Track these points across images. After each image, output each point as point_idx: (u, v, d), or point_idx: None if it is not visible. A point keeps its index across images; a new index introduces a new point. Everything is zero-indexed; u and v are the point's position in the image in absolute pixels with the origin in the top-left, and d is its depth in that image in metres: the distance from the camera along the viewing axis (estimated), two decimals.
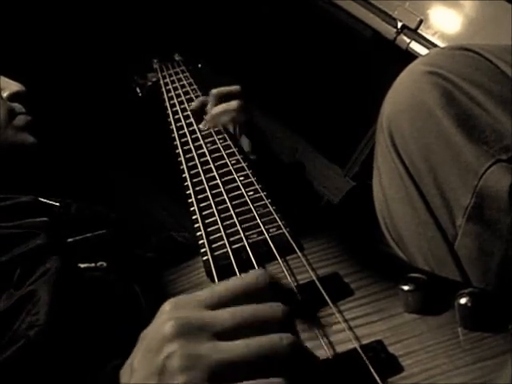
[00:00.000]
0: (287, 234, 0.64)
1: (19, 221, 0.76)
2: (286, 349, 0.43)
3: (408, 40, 1.48)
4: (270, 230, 0.65)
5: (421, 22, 1.47)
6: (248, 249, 0.63)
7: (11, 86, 0.97)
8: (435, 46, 1.43)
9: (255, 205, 0.71)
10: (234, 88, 1.03)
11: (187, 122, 0.97)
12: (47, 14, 1.71)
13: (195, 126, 0.95)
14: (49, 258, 0.68)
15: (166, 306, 0.46)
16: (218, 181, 0.78)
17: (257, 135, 1.04)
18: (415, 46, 1.47)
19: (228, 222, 0.69)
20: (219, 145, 0.87)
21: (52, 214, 0.82)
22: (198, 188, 0.78)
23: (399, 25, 1.48)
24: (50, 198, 0.87)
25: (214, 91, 1.02)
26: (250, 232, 0.66)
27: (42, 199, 0.86)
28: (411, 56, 1.43)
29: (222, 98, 1.01)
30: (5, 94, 0.96)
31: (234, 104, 0.99)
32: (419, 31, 1.47)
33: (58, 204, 0.86)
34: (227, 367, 0.42)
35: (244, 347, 0.42)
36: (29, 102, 0.99)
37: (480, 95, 0.66)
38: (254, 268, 0.60)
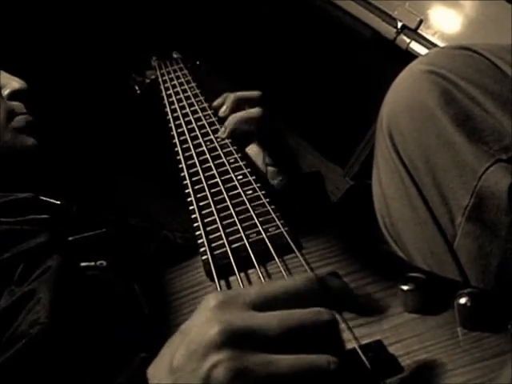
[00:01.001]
0: (285, 234, 0.64)
1: (20, 217, 0.76)
2: (332, 372, 0.43)
3: (408, 40, 1.48)
4: (269, 230, 0.65)
5: (421, 22, 1.47)
6: (247, 248, 0.63)
7: (12, 83, 0.94)
8: (435, 45, 1.43)
9: (254, 204, 0.71)
10: (255, 93, 0.97)
11: (186, 119, 0.97)
12: (46, 13, 1.71)
13: (194, 124, 0.95)
14: (50, 256, 0.68)
15: (211, 302, 0.45)
16: (218, 179, 0.78)
17: (280, 148, 0.99)
18: (415, 46, 1.47)
19: (227, 222, 0.69)
20: (218, 143, 0.87)
21: (52, 213, 0.82)
22: (196, 187, 0.78)
23: (399, 25, 1.48)
24: (51, 197, 0.86)
25: (232, 95, 0.98)
26: (250, 231, 0.66)
27: (43, 198, 0.85)
28: (411, 56, 1.43)
29: (241, 103, 0.97)
30: (5, 92, 0.93)
31: (255, 112, 0.95)
32: (419, 31, 1.47)
33: (58, 202, 0.85)
34: (274, 382, 0.41)
35: (293, 364, 0.42)
36: (30, 101, 0.96)
37: (480, 95, 0.66)
38: (254, 267, 0.60)
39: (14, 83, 0.94)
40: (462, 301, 0.50)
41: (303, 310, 0.45)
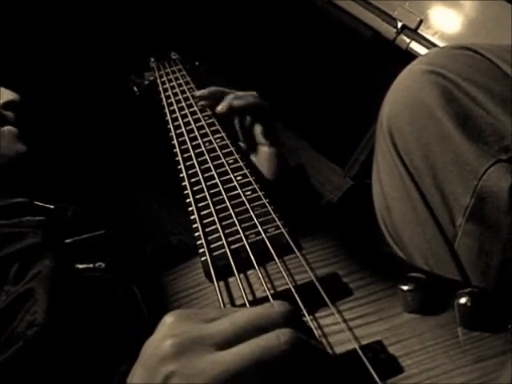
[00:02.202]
0: (285, 234, 0.64)
1: (16, 219, 0.76)
2: (285, 347, 0.41)
3: (408, 40, 1.48)
4: (269, 230, 0.65)
5: (421, 22, 1.47)
6: (247, 249, 0.63)
7: (5, 95, 0.99)
8: (435, 45, 1.43)
9: (254, 204, 0.70)
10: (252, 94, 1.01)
11: (185, 120, 0.96)
12: (44, 15, 1.71)
13: (193, 125, 0.94)
14: (44, 257, 0.68)
15: (168, 319, 0.45)
16: (217, 180, 0.77)
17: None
18: (415, 46, 1.47)
19: (226, 222, 0.68)
20: (217, 144, 0.87)
21: (48, 216, 0.83)
22: (195, 188, 0.77)
23: (399, 25, 1.48)
24: (45, 202, 0.87)
25: (231, 95, 1.00)
26: (249, 232, 0.65)
27: (37, 203, 0.86)
28: (411, 56, 1.43)
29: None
30: None
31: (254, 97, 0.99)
32: (419, 31, 1.47)
33: (51, 207, 0.86)
34: (228, 378, 0.40)
35: (238, 354, 0.41)
36: (23, 110, 1.00)
37: (480, 95, 0.66)
38: (253, 268, 0.60)
39: (6, 95, 1.00)
40: (463, 301, 0.50)
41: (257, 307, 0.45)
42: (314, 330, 0.51)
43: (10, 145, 0.95)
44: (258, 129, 1.01)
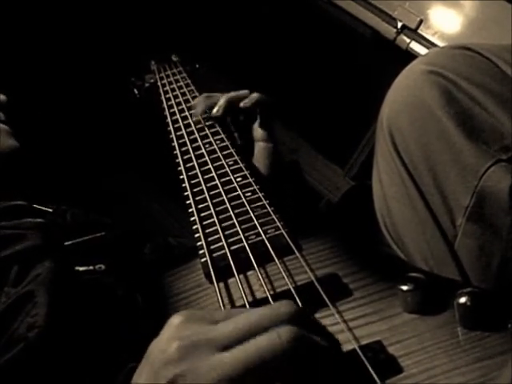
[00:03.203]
0: (285, 235, 0.64)
1: (15, 221, 0.76)
2: (287, 345, 0.41)
3: (408, 40, 1.48)
4: (269, 231, 0.65)
5: (421, 22, 1.47)
6: (247, 250, 0.63)
7: None
8: (435, 45, 1.44)
9: (254, 206, 0.70)
10: (245, 92, 0.98)
11: (185, 122, 0.96)
12: (44, 17, 1.72)
13: (193, 127, 0.94)
14: (44, 259, 0.68)
15: (175, 320, 0.45)
16: (217, 182, 0.77)
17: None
18: (415, 46, 1.47)
19: (226, 223, 0.68)
20: (217, 145, 0.87)
21: (47, 219, 0.83)
22: (196, 189, 0.77)
23: (399, 25, 1.49)
24: (44, 205, 0.88)
25: (225, 96, 0.98)
26: (249, 233, 0.65)
27: (36, 205, 0.86)
28: (411, 56, 1.43)
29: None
30: None
31: (248, 93, 0.96)
32: (419, 31, 1.47)
33: (50, 210, 0.87)
34: (230, 379, 0.40)
35: (239, 355, 0.41)
36: (19, 110, 1.01)
37: (480, 95, 0.66)
38: (253, 269, 0.60)
39: None
40: (462, 300, 0.50)
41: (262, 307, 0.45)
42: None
43: (2, 141, 0.95)
44: (255, 124, 1.00)
